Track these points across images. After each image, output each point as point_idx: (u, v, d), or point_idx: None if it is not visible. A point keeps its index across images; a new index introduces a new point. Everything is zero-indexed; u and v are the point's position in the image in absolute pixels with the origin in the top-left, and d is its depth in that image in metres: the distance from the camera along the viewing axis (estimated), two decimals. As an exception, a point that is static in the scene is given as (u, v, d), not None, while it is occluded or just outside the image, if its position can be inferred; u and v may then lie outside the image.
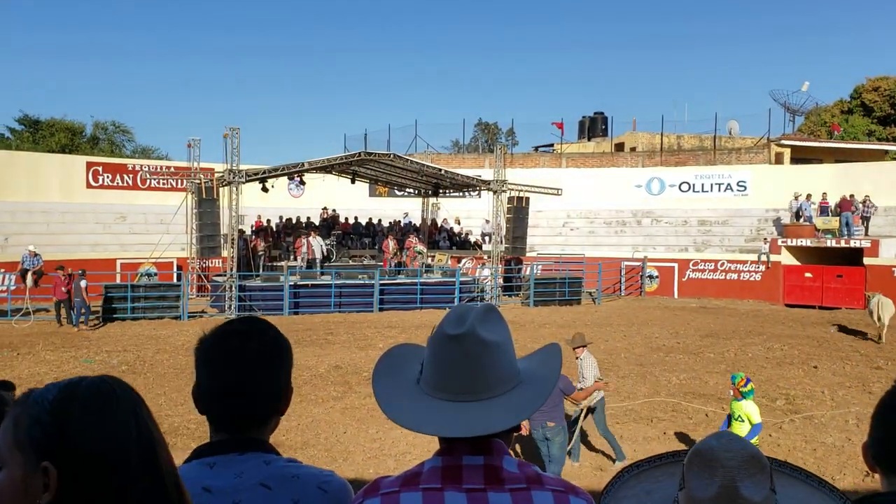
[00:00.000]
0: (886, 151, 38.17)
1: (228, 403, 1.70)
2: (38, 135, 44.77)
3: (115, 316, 21.04)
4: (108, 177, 30.98)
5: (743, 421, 7.60)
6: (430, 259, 28.20)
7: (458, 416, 1.49)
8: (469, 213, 33.80)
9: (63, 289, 19.85)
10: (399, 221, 32.04)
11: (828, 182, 29.90)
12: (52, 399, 1.19)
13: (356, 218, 31.28)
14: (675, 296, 29.81)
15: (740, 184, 32.98)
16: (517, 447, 9.32)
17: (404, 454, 9.18)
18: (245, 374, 1.70)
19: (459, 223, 32.89)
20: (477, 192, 31.35)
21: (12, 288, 22.67)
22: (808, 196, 29.08)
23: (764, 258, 28.35)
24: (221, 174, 23.23)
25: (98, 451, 1.17)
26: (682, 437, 10.18)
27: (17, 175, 28.71)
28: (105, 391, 1.24)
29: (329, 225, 29.60)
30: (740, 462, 1.36)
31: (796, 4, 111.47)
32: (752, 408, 7.62)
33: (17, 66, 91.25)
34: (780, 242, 28.39)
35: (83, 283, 19.80)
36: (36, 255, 22.84)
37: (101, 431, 1.18)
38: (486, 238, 31.43)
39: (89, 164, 31.06)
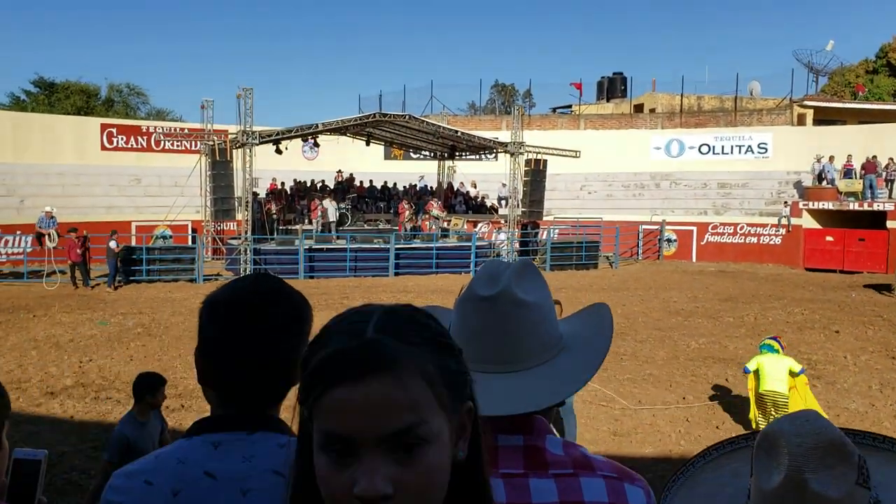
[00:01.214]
0: (911, 113, 37.30)
1: (245, 373, 1.45)
2: (53, 97, 44.60)
3: (131, 278, 21.11)
4: (122, 139, 30.87)
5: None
6: (445, 223, 28.00)
7: (494, 390, 1.26)
8: (486, 177, 33.45)
9: (77, 251, 19.85)
10: (415, 185, 31.78)
11: (851, 144, 29.27)
12: (435, 320, 0.90)
13: (371, 181, 31.04)
14: (694, 260, 29.52)
15: (761, 146, 32.42)
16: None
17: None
18: (269, 340, 1.46)
19: (476, 187, 32.60)
20: (494, 155, 30.98)
21: (28, 250, 22.73)
22: (832, 158, 28.49)
23: (784, 221, 27.95)
24: (235, 136, 23.03)
25: None
26: (700, 400, 10.02)
27: (33, 137, 28.69)
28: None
29: (344, 188, 29.41)
30: (811, 449, 1.11)
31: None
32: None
33: (32, 29, 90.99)
34: (801, 206, 27.94)
35: (112, 244, 19.97)
36: (52, 217, 22.85)
37: None
38: (503, 202, 31.15)
39: (103, 126, 30.94)
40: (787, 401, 8.12)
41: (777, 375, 8.23)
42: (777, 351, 8.47)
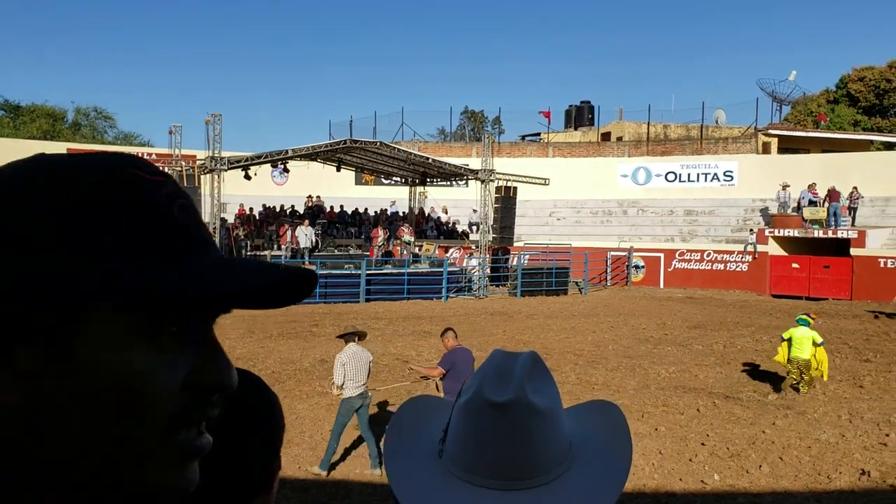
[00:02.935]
0: (872, 142, 38.25)
1: (222, 488, 1.18)
2: (18, 120, 44.03)
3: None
4: (88, 164, 30.43)
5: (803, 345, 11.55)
6: (417, 249, 27.97)
7: None
8: (457, 203, 33.56)
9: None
10: (386, 210, 31.74)
11: (814, 172, 29.86)
12: None
13: (342, 206, 30.94)
14: (661, 286, 29.76)
15: (727, 174, 32.92)
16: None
17: (392, 452, 8.93)
18: (249, 445, 1.20)
19: (447, 212, 32.66)
20: (464, 182, 31.13)
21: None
22: (810, 186, 28.76)
23: (751, 248, 28.32)
24: (203, 161, 22.83)
25: None
26: (672, 431, 10.02)
27: (-5, 162, 28.16)
28: None
29: (314, 213, 29.25)
30: None
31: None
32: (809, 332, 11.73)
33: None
34: (767, 233, 28.35)
35: None
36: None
37: None
38: (474, 227, 31.23)
39: (70, 151, 30.46)
40: (808, 364, 11.45)
41: (803, 346, 11.44)
42: (808, 324, 11.71)
